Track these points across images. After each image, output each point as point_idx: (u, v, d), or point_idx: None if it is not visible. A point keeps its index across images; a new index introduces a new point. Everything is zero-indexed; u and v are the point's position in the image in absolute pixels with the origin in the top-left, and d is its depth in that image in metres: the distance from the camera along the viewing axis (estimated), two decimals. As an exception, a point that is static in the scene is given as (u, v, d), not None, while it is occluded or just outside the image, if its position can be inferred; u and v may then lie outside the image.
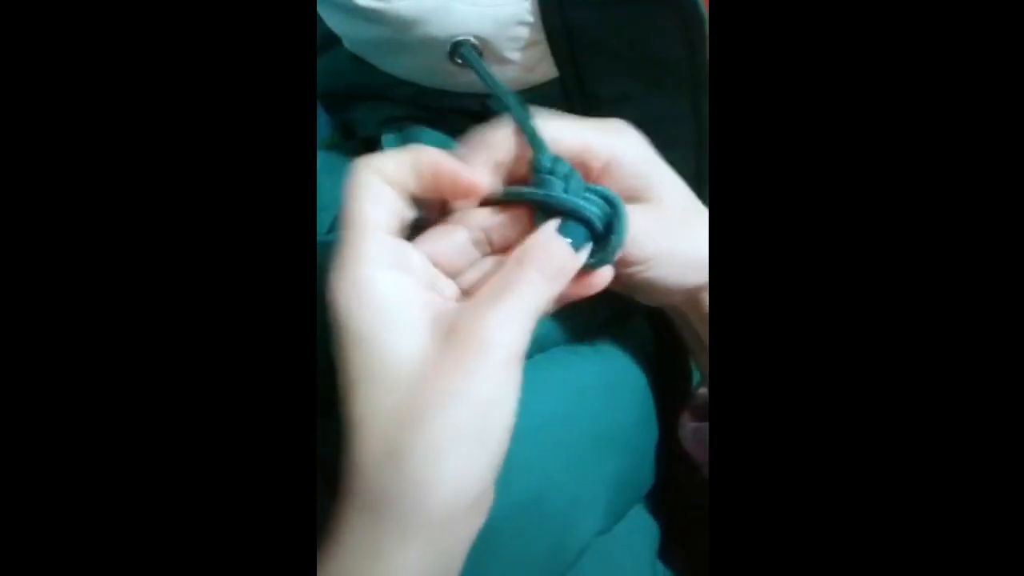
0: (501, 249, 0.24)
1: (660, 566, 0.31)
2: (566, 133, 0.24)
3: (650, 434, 0.32)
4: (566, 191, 0.23)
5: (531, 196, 0.24)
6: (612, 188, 0.24)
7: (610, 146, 0.24)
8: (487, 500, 0.22)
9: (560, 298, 0.23)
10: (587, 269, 0.24)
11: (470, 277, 0.24)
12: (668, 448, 0.33)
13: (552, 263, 0.22)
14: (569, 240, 0.23)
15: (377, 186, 0.22)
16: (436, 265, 0.23)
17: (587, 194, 0.24)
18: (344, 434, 0.21)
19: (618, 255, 0.24)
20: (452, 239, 0.24)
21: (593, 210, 0.23)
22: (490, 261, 0.24)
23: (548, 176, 0.23)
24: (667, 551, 0.32)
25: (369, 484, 0.20)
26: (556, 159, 0.24)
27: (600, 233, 0.24)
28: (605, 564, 0.29)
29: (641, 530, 0.31)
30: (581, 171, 0.24)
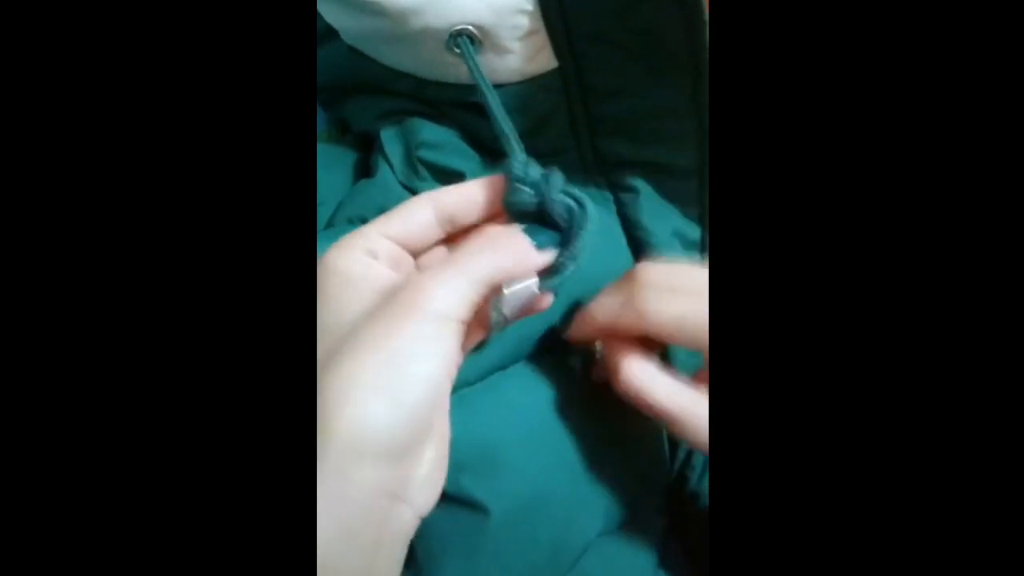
0: (463, 230, 0.26)
1: (662, 566, 0.31)
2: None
3: (650, 434, 0.31)
4: (537, 195, 0.24)
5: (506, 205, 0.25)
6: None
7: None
8: (411, 459, 0.22)
9: (518, 314, 0.25)
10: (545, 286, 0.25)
11: (426, 259, 0.26)
12: (669, 448, 0.32)
13: (506, 249, 0.23)
14: (534, 242, 0.24)
15: (420, 210, 0.25)
16: (400, 242, 0.25)
17: (559, 195, 0.24)
18: None
19: (582, 254, 0.24)
20: (418, 217, 0.25)
21: (559, 212, 0.24)
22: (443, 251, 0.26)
23: (517, 184, 0.25)
24: (669, 551, 0.31)
25: None
26: (528, 164, 0.25)
27: (567, 234, 0.24)
28: (607, 564, 0.29)
29: (643, 530, 0.31)
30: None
